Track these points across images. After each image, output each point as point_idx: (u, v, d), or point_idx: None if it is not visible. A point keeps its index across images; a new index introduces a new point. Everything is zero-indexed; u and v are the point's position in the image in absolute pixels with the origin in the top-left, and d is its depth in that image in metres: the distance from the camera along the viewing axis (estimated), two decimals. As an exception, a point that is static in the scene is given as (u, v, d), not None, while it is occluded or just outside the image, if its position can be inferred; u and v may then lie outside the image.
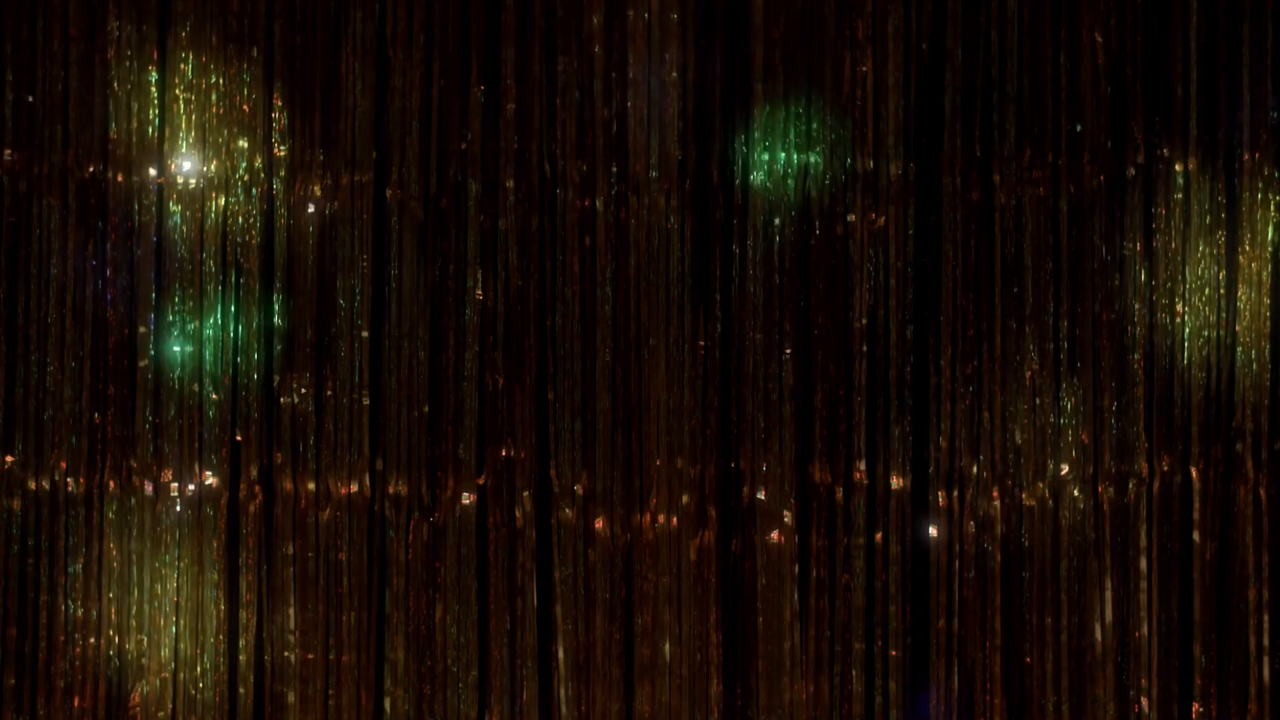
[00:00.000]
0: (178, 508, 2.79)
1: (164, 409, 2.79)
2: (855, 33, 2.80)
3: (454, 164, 2.81)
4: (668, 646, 2.77)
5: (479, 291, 2.80)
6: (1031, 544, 2.77)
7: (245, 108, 2.82)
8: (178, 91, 2.81)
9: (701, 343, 2.78)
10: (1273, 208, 2.74)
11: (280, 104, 2.82)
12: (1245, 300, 2.73)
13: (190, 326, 2.80)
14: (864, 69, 2.80)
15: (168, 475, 2.79)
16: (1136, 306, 2.75)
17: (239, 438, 2.80)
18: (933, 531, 2.78)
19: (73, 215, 2.80)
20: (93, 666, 2.78)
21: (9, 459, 2.78)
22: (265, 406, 2.80)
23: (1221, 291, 2.74)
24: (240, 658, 2.79)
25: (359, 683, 2.78)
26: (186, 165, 2.81)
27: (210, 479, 2.80)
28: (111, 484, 2.79)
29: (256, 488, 2.80)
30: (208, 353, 2.80)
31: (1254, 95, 2.75)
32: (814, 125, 2.80)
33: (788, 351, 2.78)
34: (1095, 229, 2.77)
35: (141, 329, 2.80)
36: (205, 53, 2.81)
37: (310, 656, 2.78)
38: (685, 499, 2.77)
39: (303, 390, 2.79)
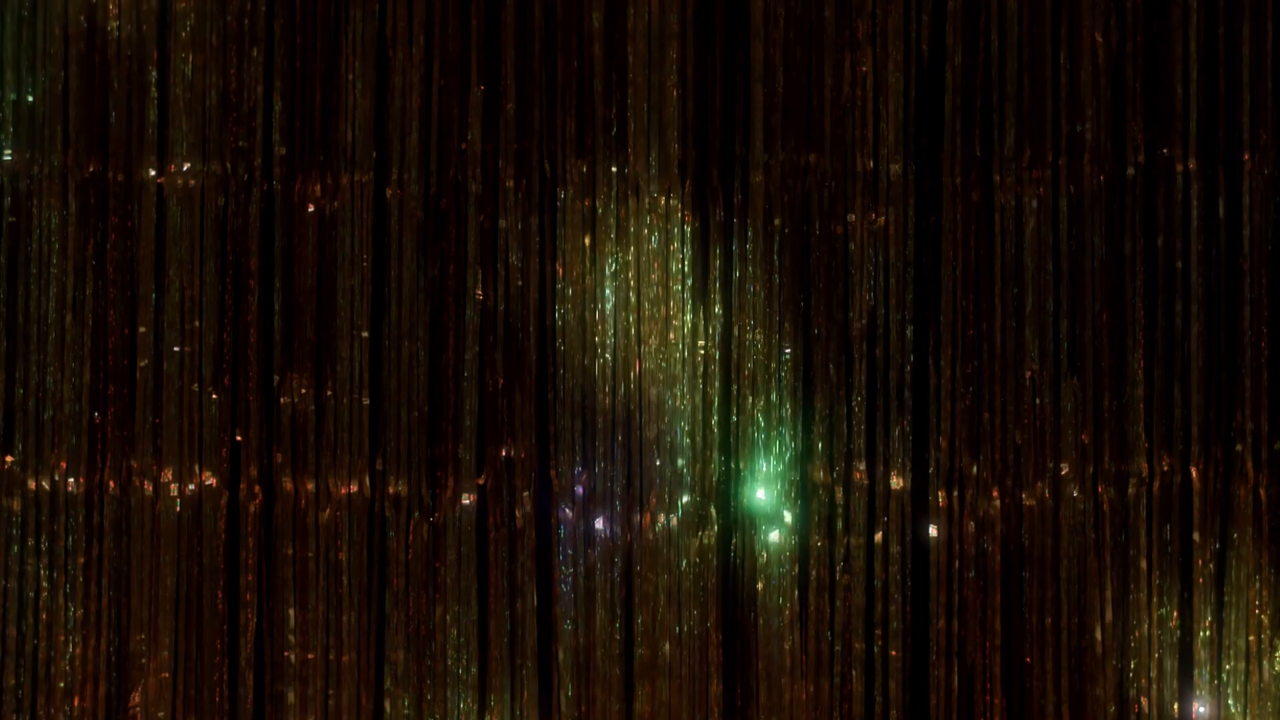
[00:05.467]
0: (178, 508, 2.79)
1: (164, 409, 2.79)
2: (855, 33, 2.80)
3: (454, 164, 2.81)
4: (668, 646, 2.77)
5: (479, 291, 2.80)
6: (1031, 544, 2.77)
7: (245, 108, 2.82)
8: (178, 91, 2.81)
9: (701, 343, 2.79)
10: (1273, 208, 2.74)
11: (280, 104, 2.82)
12: (1245, 300, 2.73)
13: (190, 326, 2.80)
14: (864, 69, 2.80)
15: (168, 475, 2.79)
16: (1136, 306, 2.76)
17: (239, 438, 2.80)
18: (933, 531, 2.78)
19: (73, 215, 2.80)
20: (93, 666, 2.78)
21: (9, 459, 2.78)
22: (265, 406, 2.80)
23: (1221, 291, 2.74)
24: (240, 658, 2.79)
25: (359, 683, 2.78)
26: (186, 165, 2.81)
27: (210, 479, 2.80)
28: (111, 484, 2.79)
29: (256, 488, 2.80)
30: (207, 353, 2.80)
31: (1254, 95, 2.75)
32: (814, 125, 2.80)
33: (788, 351, 2.78)
34: (1095, 229, 2.77)
35: (141, 329, 2.80)
36: (205, 53, 2.81)
37: (310, 656, 2.78)
38: (685, 499, 2.77)
39: (303, 390, 2.79)
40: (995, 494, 2.77)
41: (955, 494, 2.78)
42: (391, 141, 2.81)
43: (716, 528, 2.78)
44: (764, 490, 2.78)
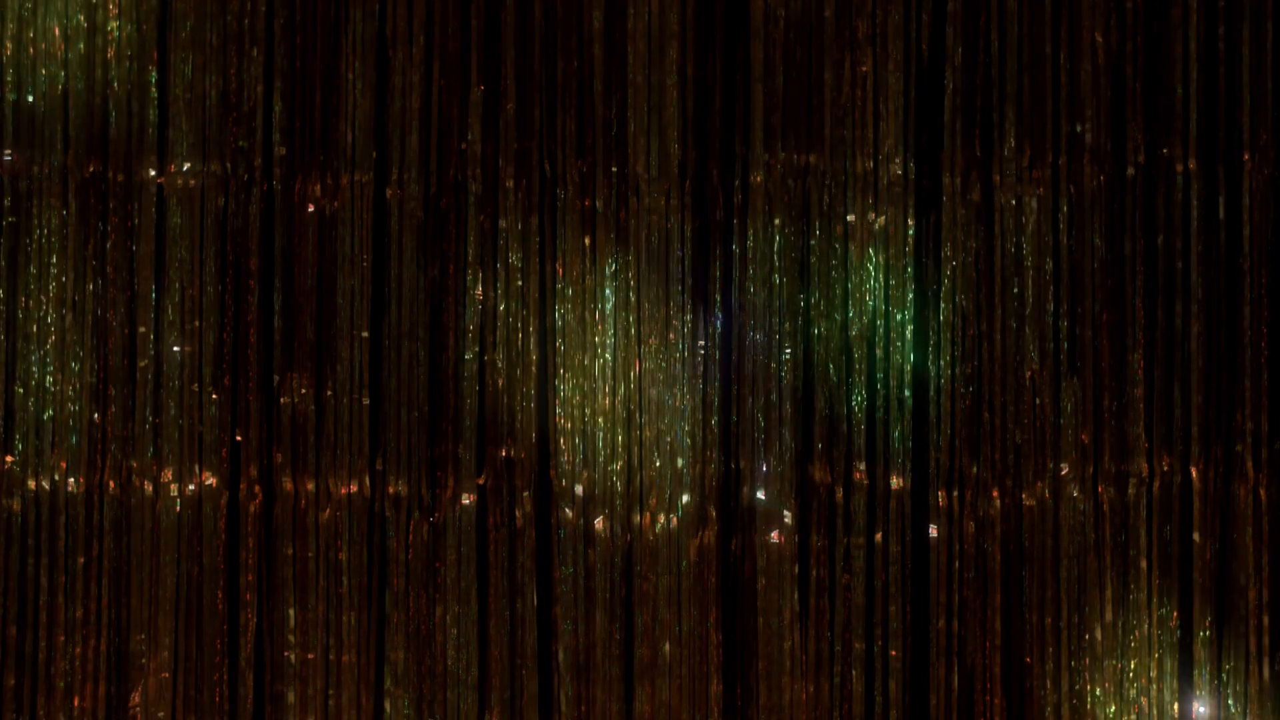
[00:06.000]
0: (178, 508, 2.79)
1: (164, 409, 2.79)
2: (855, 33, 2.80)
3: (454, 164, 2.81)
4: (668, 646, 2.77)
5: (479, 291, 2.80)
6: (1031, 544, 2.77)
7: (245, 108, 2.82)
8: (178, 91, 2.81)
9: (701, 343, 2.79)
10: (1271, 207, 2.74)
11: (280, 104, 2.82)
12: (1245, 300, 2.73)
13: (190, 326, 2.80)
14: (864, 69, 2.80)
15: (168, 475, 2.79)
16: (1136, 306, 2.76)
17: (239, 438, 2.80)
18: (933, 531, 2.78)
19: (73, 215, 2.80)
20: (93, 666, 2.78)
21: (9, 459, 2.78)
22: (265, 406, 2.80)
23: (1221, 291, 2.74)
24: (240, 658, 2.79)
25: (359, 683, 2.78)
26: (186, 165, 2.81)
27: (210, 479, 2.80)
28: (111, 484, 2.79)
29: (256, 488, 2.80)
30: (207, 353, 2.80)
31: (1254, 95, 2.75)
32: (814, 125, 2.80)
33: (788, 351, 2.78)
34: (1095, 229, 2.77)
35: (141, 329, 2.80)
36: (205, 53, 2.81)
37: (310, 656, 2.78)
38: (685, 499, 2.77)
39: (303, 390, 2.79)
40: (995, 494, 2.77)
41: (955, 494, 2.78)
42: (391, 141, 2.81)
43: (717, 528, 2.78)
44: (764, 490, 2.78)
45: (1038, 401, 2.76)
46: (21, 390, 2.78)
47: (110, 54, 2.81)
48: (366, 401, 2.79)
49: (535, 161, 2.80)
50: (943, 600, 2.77)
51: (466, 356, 2.79)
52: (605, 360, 2.78)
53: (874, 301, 2.78)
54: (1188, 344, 2.74)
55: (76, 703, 2.77)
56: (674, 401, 2.77)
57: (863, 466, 2.77)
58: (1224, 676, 2.73)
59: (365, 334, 2.79)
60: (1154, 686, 2.74)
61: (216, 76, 2.82)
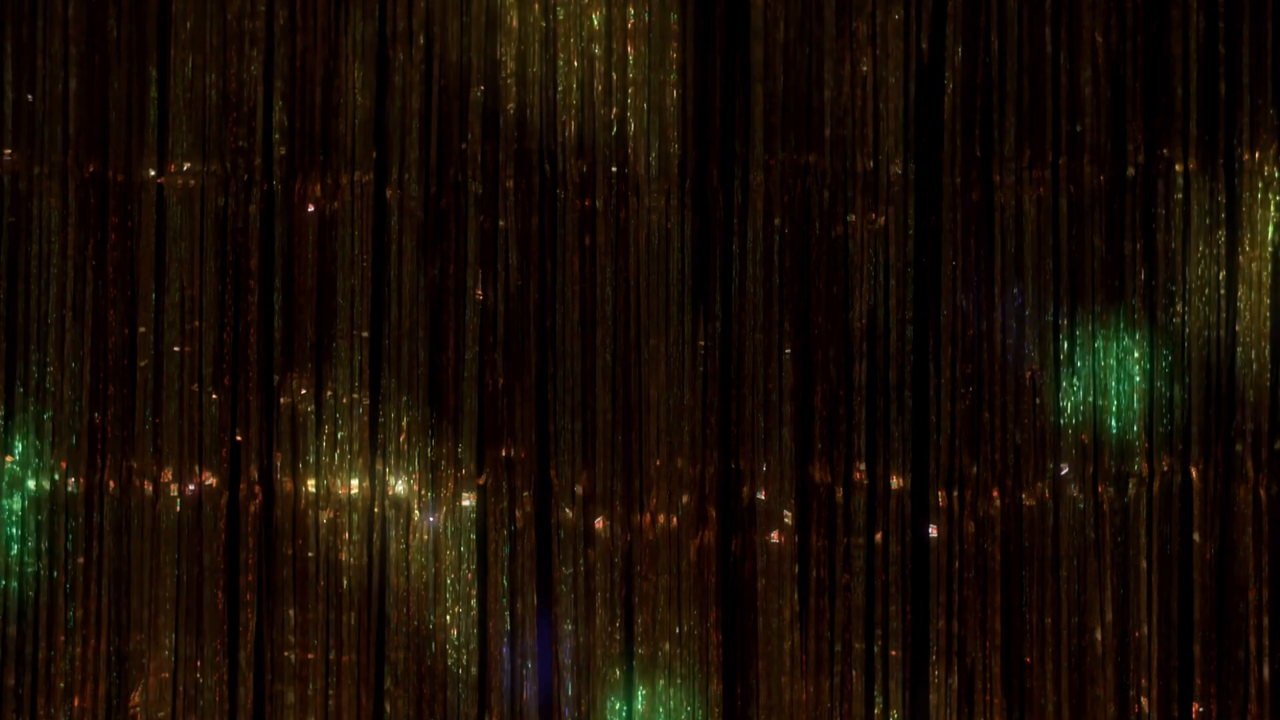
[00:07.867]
0: (178, 508, 2.79)
1: (164, 409, 2.79)
2: (855, 33, 2.80)
3: (454, 164, 2.81)
4: (668, 646, 2.77)
5: (479, 291, 2.80)
6: (1031, 544, 2.77)
7: (245, 108, 2.82)
8: (178, 91, 2.81)
9: (701, 343, 2.79)
10: (1272, 207, 2.74)
11: (280, 104, 2.82)
12: (1245, 300, 2.73)
13: (190, 326, 2.80)
14: (864, 69, 2.80)
15: (168, 475, 2.79)
16: (1136, 306, 2.76)
17: (239, 438, 2.80)
18: (933, 531, 2.78)
19: (73, 215, 2.80)
20: (93, 666, 2.78)
21: (9, 459, 2.78)
22: (265, 406, 2.80)
23: (1222, 291, 2.74)
24: (240, 658, 2.79)
25: (359, 683, 2.78)
26: (186, 165, 2.81)
27: (210, 479, 2.80)
28: (111, 484, 2.79)
29: (256, 488, 2.80)
30: (207, 353, 2.80)
31: (1254, 95, 2.75)
32: (814, 125, 2.80)
33: (788, 351, 2.79)
34: (1095, 229, 2.77)
35: (141, 329, 2.80)
36: (205, 53, 2.81)
37: (310, 656, 2.78)
38: (685, 499, 2.77)
39: (303, 390, 2.79)
40: (995, 494, 2.77)
41: (955, 494, 2.78)
42: (391, 141, 2.81)
43: (716, 528, 2.78)
44: (764, 490, 2.78)
45: (1038, 401, 2.76)
46: (22, 390, 2.78)
47: (110, 54, 2.81)
48: (367, 401, 2.79)
49: (535, 162, 2.80)
50: (943, 600, 2.77)
51: (466, 356, 2.79)
52: (605, 360, 2.78)
53: (874, 301, 2.78)
54: (1188, 344, 2.74)
55: (76, 703, 2.77)
56: (674, 401, 2.77)
57: (863, 466, 2.77)
58: (1224, 676, 2.73)
59: (365, 334, 2.79)
60: (1154, 686, 2.74)
61: (216, 76, 2.82)
